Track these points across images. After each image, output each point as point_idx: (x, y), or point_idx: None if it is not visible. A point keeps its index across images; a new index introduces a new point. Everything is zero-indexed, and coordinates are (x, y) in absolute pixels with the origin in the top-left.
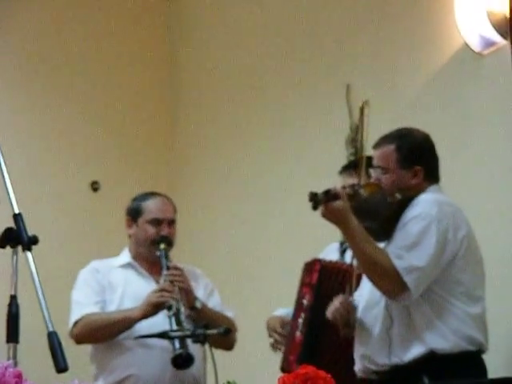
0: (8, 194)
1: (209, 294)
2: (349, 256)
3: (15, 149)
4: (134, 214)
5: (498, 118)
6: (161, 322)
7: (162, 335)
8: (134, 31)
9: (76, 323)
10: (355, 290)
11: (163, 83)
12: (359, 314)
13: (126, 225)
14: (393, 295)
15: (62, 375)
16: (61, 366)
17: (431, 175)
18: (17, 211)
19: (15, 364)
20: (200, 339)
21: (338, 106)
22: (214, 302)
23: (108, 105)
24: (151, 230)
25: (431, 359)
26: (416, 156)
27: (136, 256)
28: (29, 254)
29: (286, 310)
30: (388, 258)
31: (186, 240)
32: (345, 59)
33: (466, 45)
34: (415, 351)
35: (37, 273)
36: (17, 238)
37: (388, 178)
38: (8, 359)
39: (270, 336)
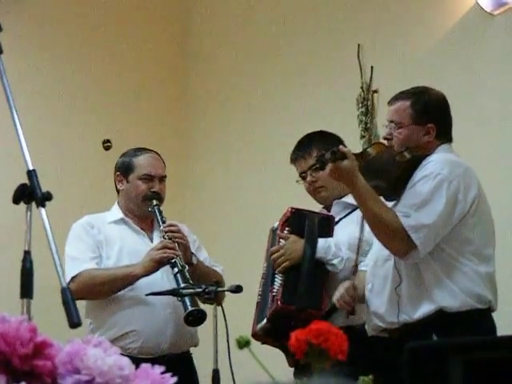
0: (22, 151)
1: (197, 250)
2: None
3: (29, 108)
4: (124, 169)
5: (508, 76)
6: (159, 279)
7: (174, 292)
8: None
9: (73, 279)
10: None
11: (175, 44)
12: (368, 272)
13: (115, 180)
14: (401, 254)
15: (75, 331)
16: (74, 321)
17: (444, 134)
18: (31, 168)
19: (29, 319)
20: (211, 297)
21: (349, 65)
22: (203, 258)
23: (121, 65)
24: (143, 186)
25: (440, 317)
26: (430, 113)
27: (127, 211)
28: (42, 210)
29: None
30: (395, 217)
31: (192, 199)
32: (356, 20)
33: (477, 4)
34: (424, 309)
35: (50, 229)
36: (30, 194)
37: (401, 132)
38: (22, 314)
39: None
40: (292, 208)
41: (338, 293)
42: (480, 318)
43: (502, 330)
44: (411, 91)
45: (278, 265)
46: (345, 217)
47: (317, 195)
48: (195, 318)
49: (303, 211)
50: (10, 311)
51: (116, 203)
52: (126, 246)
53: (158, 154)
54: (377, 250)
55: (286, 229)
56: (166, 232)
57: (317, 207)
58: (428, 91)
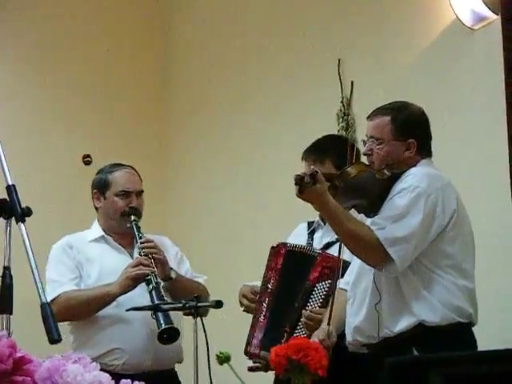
0: (2, 166)
1: (179, 262)
2: (316, 238)
3: (8, 122)
4: (101, 186)
5: (488, 92)
6: (138, 294)
7: (154, 308)
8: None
9: (52, 302)
10: (341, 276)
11: (155, 56)
12: (349, 287)
13: (92, 198)
14: (379, 267)
15: (55, 346)
16: (54, 337)
17: (424, 149)
18: (10, 183)
19: (9, 335)
20: (192, 312)
21: (329, 80)
22: (185, 269)
23: (100, 79)
24: (120, 203)
25: (420, 331)
26: (410, 129)
27: (106, 229)
28: (22, 225)
29: (257, 282)
30: (369, 231)
31: (179, 212)
32: (336, 34)
33: (458, 19)
34: (404, 323)
35: (30, 244)
36: (10, 209)
37: (381, 148)
38: (1, 330)
39: (241, 303)
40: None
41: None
42: (460, 331)
43: (482, 345)
44: (390, 106)
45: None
46: (335, 243)
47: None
48: (168, 336)
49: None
50: None
51: (96, 221)
52: (107, 265)
53: (133, 168)
54: (357, 265)
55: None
56: (141, 248)
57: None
58: (408, 106)
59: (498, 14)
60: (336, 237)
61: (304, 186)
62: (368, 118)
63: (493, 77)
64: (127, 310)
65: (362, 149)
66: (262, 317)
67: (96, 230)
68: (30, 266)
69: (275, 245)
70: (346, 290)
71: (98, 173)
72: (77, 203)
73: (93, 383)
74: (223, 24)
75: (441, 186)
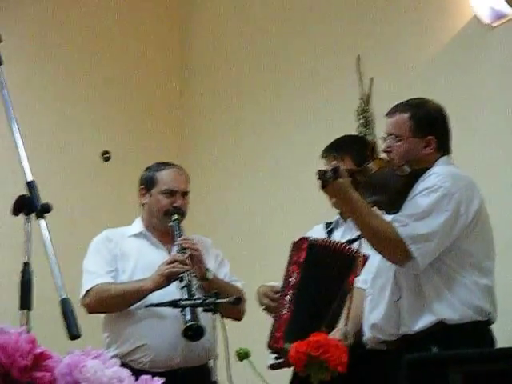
0: (21, 162)
1: (219, 264)
2: (335, 236)
3: (28, 119)
4: (147, 183)
5: (508, 88)
6: (172, 291)
7: (173, 304)
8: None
9: (88, 292)
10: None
11: (173, 55)
12: (369, 283)
13: (139, 194)
14: (399, 263)
15: (75, 342)
16: (73, 333)
17: (443, 146)
18: (30, 179)
19: (28, 331)
20: (210, 308)
21: (348, 77)
22: (224, 272)
23: (119, 75)
24: (165, 201)
25: (440, 329)
26: (429, 126)
27: (148, 226)
28: (42, 221)
29: (274, 283)
30: (392, 227)
31: (198, 210)
32: (355, 31)
33: (476, 17)
34: (424, 321)
35: (50, 240)
36: (30, 205)
37: (400, 145)
38: (21, 326)
39: (260, 303)
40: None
41: None
42: (479, 330)
43: (501, 343)
44: (409, 103)
45: None
46: (358, 238)
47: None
48: (193, 333)
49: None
50: (9, 323)
51: (139, 217)
52: (142, 260)
53: (182, 168)
54: (377, 260)
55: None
56: (179, 245)
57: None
58: (426, 103)
59: None
60: (358, 234)
61: (327, 181)
62: (387, 115)
63: (511, 73)
64: (146, 306)
65: (382, 146)
66: (286, 310)
67: (137, 225)
68: (50, 262)
69: (296, 240)
70: (364, 289)
71: (146, 169)
72: (96, 199)
73: (112, 379)
74: (241, 23)
75: (464, 185)
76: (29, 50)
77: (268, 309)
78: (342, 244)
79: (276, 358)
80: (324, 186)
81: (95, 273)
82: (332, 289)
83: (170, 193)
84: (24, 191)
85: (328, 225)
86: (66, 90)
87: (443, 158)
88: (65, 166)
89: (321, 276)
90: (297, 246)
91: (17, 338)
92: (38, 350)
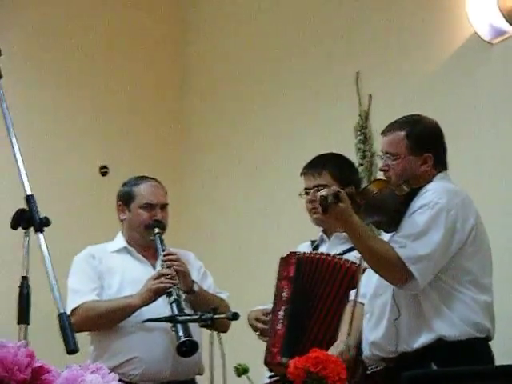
0: (20, 176)
1: (202, 277)
2: (321, 251)
3: (27, 133)
4: (125, 199)
5: (506, 106)
6: (161, 306)
7: (171, 319)
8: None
9: (73, 311)
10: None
11: (172, 66)
12: (367, 301)
13: (117, 210)
14: (400, 285)
15: (72, 357)
16: (71, 347)
17: (440, 162)
18: (29, 193)
19: (26, 345)
20: (207, 323)
21: (347, 93)
22: (208, 284)
23: (118, 90)
24: (145, 215)
25: (439, 346)
26: (426, 143)
27: (130, 240)
28: (40, 235)
29: (263, 306)
30: (391, 250)
31: (192, 228)
32: (355, 47)
33: (476, 34)
34: (424, 339)
35: (48, 254)
36: (29, 219)
37: (397, 164)
38: (19, 340)
39: (254, 328)
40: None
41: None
42: (478, 346)
43: (499, 359)
44: (404, 121)
45: None
46: (344, 253)
47: (313, 215)
48: (188, 349)
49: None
50: (7, 337)
51: (120, 233)
52: (128, 275)
53: (158, 181)
54: (375, 279)
55: None
56: (164, 260)
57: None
58: (421, 120)
59: None
60: (343, 249)
61: (328, 206)
62: (382, 133)
63: (511, 90)
64: (143, 322)
65: (379, 164)
66: (280, 325)
67: (119, 241)
68: (48, 277)
69: (284, 255)
70: (362, 304)
71: (123, 185)
72: (94, 214)
73: None
74: (240, 35)
75: (460, 200)
76: (26, 62)
77: (262, 333)
78: (329, 255)
79: (270, 377)
80: (325, 211)
81: (80, 291)
82: (324, 301)
83: (150, 206)
84: (23, 205)
85: (313, 242)
86: (64, 103)
87: (440, 175)
88: (63, 180)
89: (312, 289)
90: (285, 261)
91: (15, 351)
92: (37, 364)
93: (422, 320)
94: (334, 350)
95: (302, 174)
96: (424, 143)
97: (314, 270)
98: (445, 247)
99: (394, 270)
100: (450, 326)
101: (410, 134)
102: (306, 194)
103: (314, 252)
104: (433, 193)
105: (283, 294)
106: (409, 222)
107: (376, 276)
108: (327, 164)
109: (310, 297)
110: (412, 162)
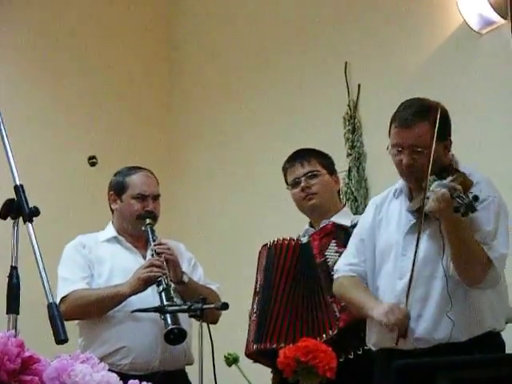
0: (10, 166)
1: (193, 268)
2: None
3: (16, 123)
4: (118, 188)
5: (495, 95)
6: (150, 295)
7: (159, 310)
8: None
9: (63, 300)
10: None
11: (161, 59)
12: (400, 289)
13: (109, 199)
14: (476, 283)
15: (62, 346)
16: (60, 338)
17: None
18: (18, 183)
19: (16, 335)
20: (197, 314)
21: (336, 83)
22: (198, 276)
23: (106, 81)
24: (137, 206)
25: (486, 337)
26: (446, 126)
27: (120, 230)
28: (30, 225)
29: None
30: (483, 249)
31: (183, 217)
32: (344, 37)
33: (465, 23)
34: (475, 331)
35: (37, 244)
36: (18, 209)
37: (427, 154)
38: (8, 330)
39: None
40: (334, 223)
41: (383, 312)
42: (500, 335)
43: None
44: (422, 109)
45: None
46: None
47: (308, 202)
48: (175, 337)
49: (343, 225)
50: None
51: (110, 222)
52: (118, 264)
53: (151, 172)
54: (407, 271)
55: (333, 241)
56: (154, 250)
57: (303, 219)
58: (434, 105)
59: (505, 19)
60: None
61: (472, 210)
62: (404, 126)
63: (499, 81)
64: (133, 312)
65: (388, 154)
66: (254, 316)
67: (109, 230)
68: (38, 266)
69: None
70: (354, 276)
71: (115, 175)
72: (83, 204)
73: (101, 383)
74: (229, 25)
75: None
76: (13, 52)
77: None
78: (293, 239)
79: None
80: (466, 214)
81: (70, 279)
82: (284, 282)
83: (142, 197)
84: (12, 195)
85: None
86: (52, 93)
87: (455, 158)
88: (51, 170)
89: (274, 274)
90: (260, 253)
91: (5, 341)
92: (27, 354)
93: (474, 313)
94: (385, 307)
95: (285, 168)
96: (445, 127)
97: (278, 256)
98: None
99: (481, 269)
100: (497, 319)
101: (434, 123)
102: (297, 184)
103: (282, 238)
104: (485, 185)
105: (257, 286)
106: (479, 220)
107: (408, 263)
108: (312, 153)
109: (274, 283)
110: (439, 151)
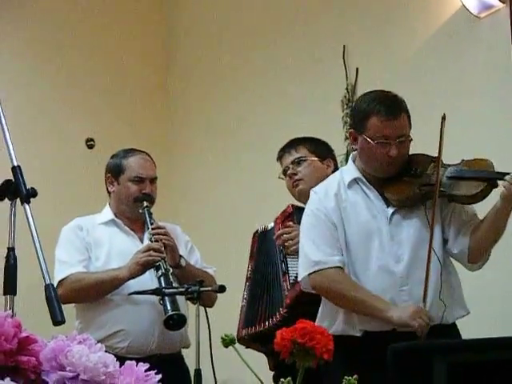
0: (7, 147)
1: (189, 251)
2: None
3: (14, 105)
4: (115, 171)
5: (493, 79)
6: (148, 279)
7: (157, 292)
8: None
9: (61, 283)
10: None
11: (158, 43)
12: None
13: (106, 182)
14: (478, 265)
15: (59, 328)
16: (57, 319)
17: None
18: (16, 164)
19: (13, 316)
20: (194, 296)
21: (334, 66)
22: (195, 259)
23: (103, 64)
24: (134, 188)
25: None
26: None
27: (117, 213)
28: (27, 206)
29: None
30: None
31: (182, 200)
32: (342, 21)
33: (464, 7)
34: (458, 313)
35: (35, 226)
36: (15, 190)
37: (409, 143)
38: (5, 311)
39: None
40: (293, 205)
41: (410, 316)
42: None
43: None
44: (399, 100)
45: (289, 246)
46: None
47: (295, 188)
48: (175, 322)
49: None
50: None
51: (107, 204)
52: (115, 247)
53: (148, 154)
54: (406, 255)
55: (291, 224)
56: (152, 234)
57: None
58: (399, 96)
59: (504, 3)
60: None
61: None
62: (392, 117)
63: (498, 65)
64: (129, 294)
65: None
66: (244, 301)
67: (107, 213)
68: (35, 248)
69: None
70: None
71: (112, 157)
72: (80, 186)
73: (98, 364)
74: (227, 10)
75: None
76: (15, 38)
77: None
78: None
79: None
80: (494, 186)
81: (67, 262)
82: (271, 268)
83: (139, 180)
84: (9, 176)
85: None
86: (50, 77)
87: None
88: (50, 151)
89: (263, 260)
90: (252, 240)
91: (2, 322)
92: (23, 335)
93: (459, 296)
94: (411, 310)
95: (278, 158)
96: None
97: (269, 242)
98: None
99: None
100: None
101: (408, 112)
102: (286, 173)
103: (272, 225)
104: None
105: (248, 272)
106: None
107: (407, 251)
108: (301, 141)
109: (262, 268)
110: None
